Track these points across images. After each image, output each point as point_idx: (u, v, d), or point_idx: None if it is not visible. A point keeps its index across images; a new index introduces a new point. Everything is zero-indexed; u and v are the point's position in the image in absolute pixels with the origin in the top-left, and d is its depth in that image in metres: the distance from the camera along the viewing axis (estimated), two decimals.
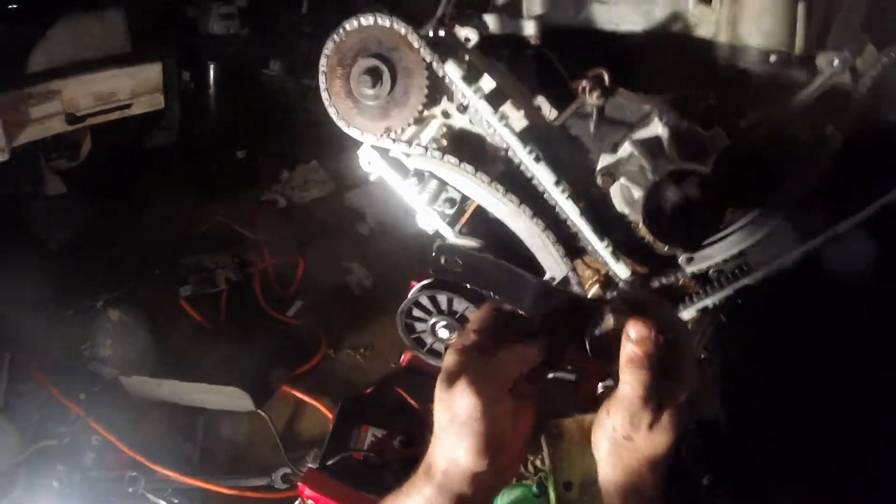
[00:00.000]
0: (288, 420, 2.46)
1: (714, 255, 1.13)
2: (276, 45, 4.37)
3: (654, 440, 0.78)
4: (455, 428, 0.77)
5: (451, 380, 0.79)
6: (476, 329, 0.85)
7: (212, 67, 3.57)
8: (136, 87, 3.04)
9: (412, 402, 2.37)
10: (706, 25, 1.11)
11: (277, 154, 3.58)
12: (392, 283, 1.10)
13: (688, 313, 1.18)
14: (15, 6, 2.96)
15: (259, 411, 2.41)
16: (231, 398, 2.44)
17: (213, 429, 2.46)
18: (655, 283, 1.13)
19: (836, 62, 1.04)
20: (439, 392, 0.81)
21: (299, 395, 2.48)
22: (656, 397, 0.75)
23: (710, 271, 1.17)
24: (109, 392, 2.50)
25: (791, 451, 1.81)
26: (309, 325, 2.74)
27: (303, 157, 3.57)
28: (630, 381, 0.74)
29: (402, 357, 2.53)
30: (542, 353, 0.82)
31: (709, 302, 1.17)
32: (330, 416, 2.36)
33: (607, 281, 1.12)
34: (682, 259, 1.09)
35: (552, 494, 2.22)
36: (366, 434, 2.23)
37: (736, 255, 1.13)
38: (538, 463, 2.33)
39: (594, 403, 0.86)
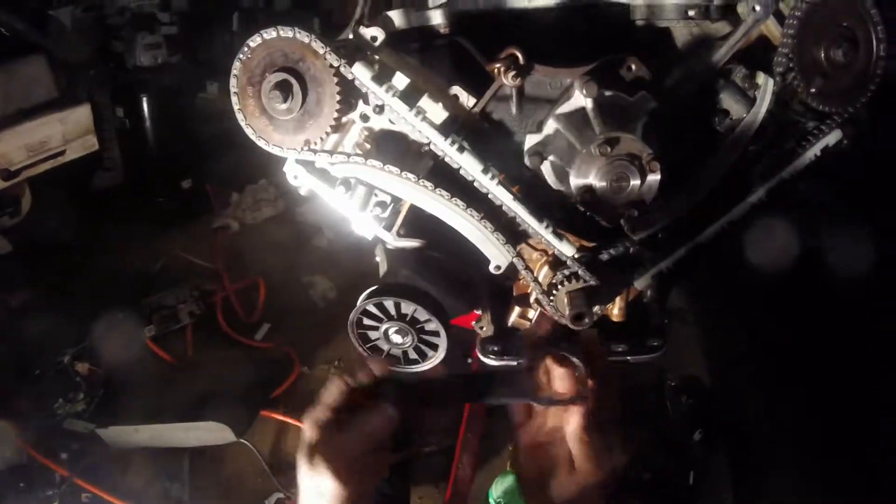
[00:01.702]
0: (272, 444, 2.44)
1: (660, 218, 1.12)
2: (209, 67, 4.30)
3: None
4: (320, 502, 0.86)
5: (312, 455, 0.87)
6: (328, 404, 0.93)
7: (144, 100, 3.49)
8: (67, 132, 2.95)
9: None
10: None
11: (224, 178, 3.52)
12: (356, 292, 1.09)
13: (642, 282, 1.17)
14: None
15: (242, 440, 2.38)
16: (211, 432, 2.40)
17: (199, 465, 2.43)
18: (605, 256, 1.11)
19: (757, 8, 1.04)
20: (302, 465, 0.88)
21: (280, 418, 2.45)
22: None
23: (658, 234, 1.16)
24: (90, 446, 2.46)
25: (777, 405, 1.84)
26: (279, 346, 2.71)
27: (251, 178, 3.52)
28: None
29: None
30: (395, 419, 0.92)
31: (662, 266, 1.16)
32: None
33: (555, 261, 1.10)
34: (626, 227, 1.08)
35: None
36: None
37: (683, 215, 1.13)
38: None
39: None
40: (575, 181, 0.97)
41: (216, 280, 3.00)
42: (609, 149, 0.94)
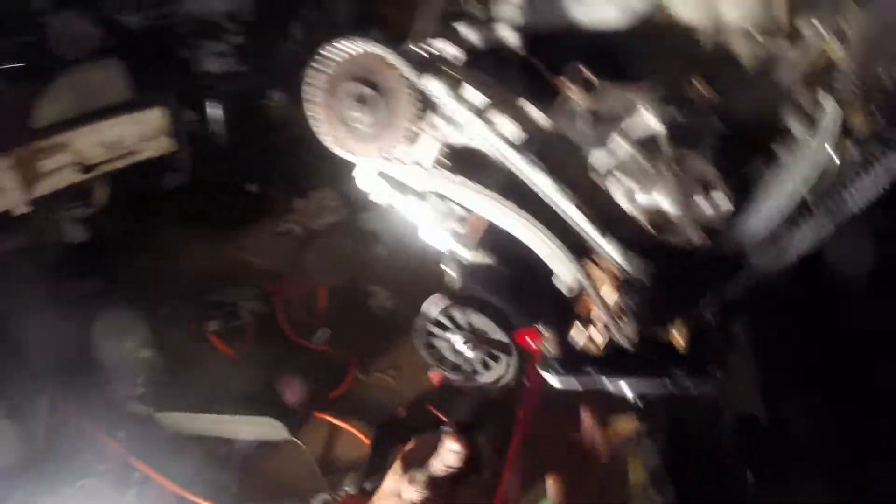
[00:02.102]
0: (323, 446, 2.48)
1: (732, 239, 1.10)
2: (273, 75, 4.43)
3: None
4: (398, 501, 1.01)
5: (410, 465, 1.04)
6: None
7: (213, 105, 3.61)
8: (142, 132, 3.09)
9: (444, 418, 2.37)
10: (685, 8, 1.10)
11: (289, 183, 3.60)
12: (414, 302, 1.11)
13: (707, 309, 1.16)
14: (18, 64, 3.05)
15: (294, 439, 2.42)
16: (265, 428, 2.47)
17: (250, 458, 2.49)
18: (670, 278, 1.11)
19: (819, 27, 1.03)
20: (397, 468, 1.06)
21: (333, 421, 2.49)
22: None
23: (727, 260, 1.15)
24: (146, 429, 2.55)
25: (831, 447, 1.78)
26: (336, 351, 2.75)
27: (314, 184, 3.60)
28: None
29: (433, 375, 2.52)
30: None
31: (729, 293, 1.15)
32: (364, 439, 2.37)
33: (620, 280, 1.10)
34: (694, 250, 1.08)
35: None
36: None
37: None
38: None
39: None
40: (643, 201, 0.98)
41: (278, 282, 3.07)
42: (678, 169, 0.95)
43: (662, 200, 0.96)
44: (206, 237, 3.28)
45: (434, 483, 1.03)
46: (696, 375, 1.23)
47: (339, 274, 3.05)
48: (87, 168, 3.00)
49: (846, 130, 1.09)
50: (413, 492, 1.01)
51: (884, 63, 1.02)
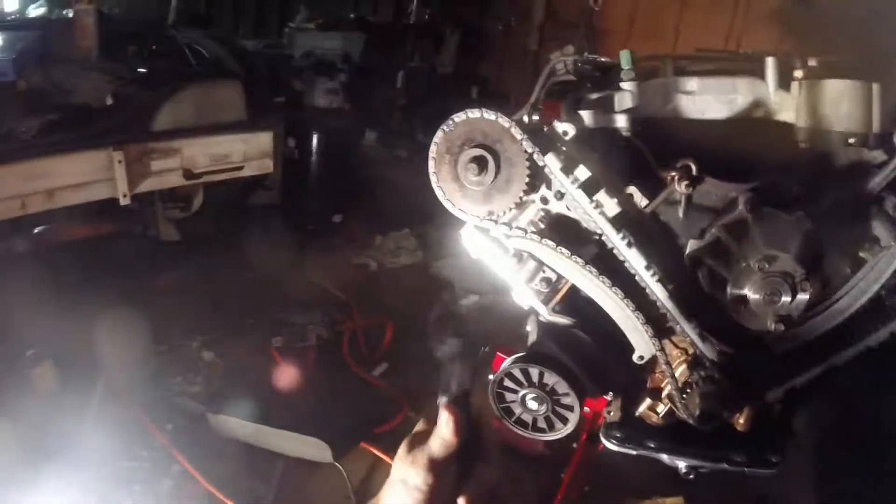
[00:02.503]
0: (363, 476, 2.52)
1: (805, 333, 1.13)
2: (372, 117, 4.65)
3: None
4: (403, 488, 0.96)
5: (413, 447, 0.98)
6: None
7: (315, 137, 3.84)
8: (248, 151, 3.33)
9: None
10: (786, 111, 1.15)
11: (371, 220, 3.76)
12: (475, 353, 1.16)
13: (773, 395, 1.18)
14: (145, 71, 3.33)
15: (336, 464, 2.48)
16: (311, 448, 2.54)
17: (289, 475, 2.54)
18: (743, 365, 1.15)
19: None
20: (402, 453, 0.99)
21: (377, 453, 2.54)
22: None
23: (798, 352, 1.17)
24: (194, 426, 2.65)
25: None
26: (392, 387, 2.82)
27: (395, 225, 3.74)
28: None
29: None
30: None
31: (796, 382, 1.17)
32: None
33: (694, 361, 1.16)
34: (769, 340, 1.12)
35: None
36: None
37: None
38: None
39: None
40: (731, 290, 1.04)
41: (346, 312, 3.19)
42: (767, 265, 1.01)
43: (749, 292, 1.01)
44: (288, 257, 3.45)
45: (435, 465, 0.96)
46: (755, 460, 1.25)
47: (405, 312, 3.15)
48: (191, 175, 3.23)
49: None
50: (415, 476, 0.95)
51: None
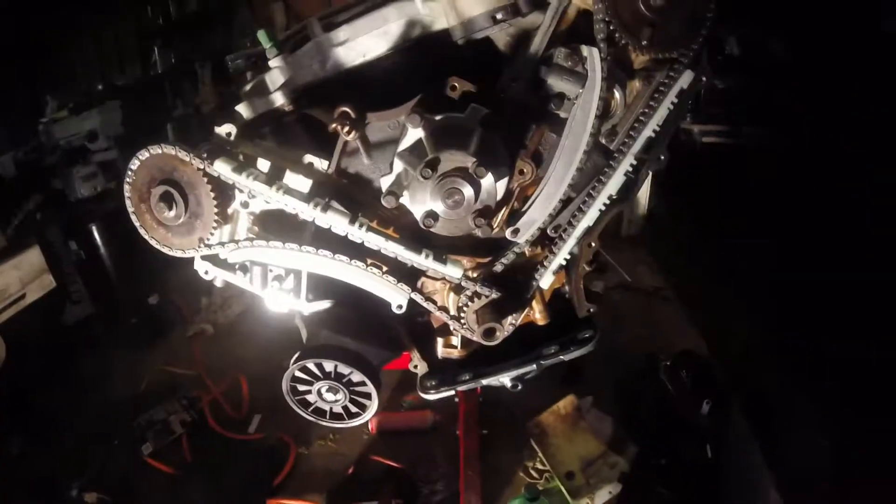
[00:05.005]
0: None
1: (536, 216, 1.15)
2: None
3: None
4: None
5: None
6: None
7: (95, 229, 3.57)
8: (23, 276, 3.04)
9: (392, 463, 2.39)
10: (439, 19, 1.16)
11: (188, 285, 3.58)
12: None
13: (546, 280, 1.21)
14: None
15: None
16: None
17: None
18: (499, 267, 1.16)
19: None
20: None
21: (287, 503, 2.46)
22: None
23: (549, 230, 1.19)
24: None
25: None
26: (273, 434, 2.72)
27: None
28: None
29: (370, 426, 2.54)
30: None
31: (560, 259, 1.19)
32: None
33: (458, 286, 1.16)
34: (508, 235, 1.13)
35: (562, 488, 2.26)
36: None
37: (558, 206, 1.16)
38: (539, 465, 2.36)
39: None
40: (415, 210, 1.03)
41: (201, 385, 3.03)
42: (430, 171, 1.00)
43: (430, 204, 1.00)
44: (123, 360, 3.23)
45: None
46: (568, 345, 1.28)
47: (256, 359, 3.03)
48: None
49: (628, 71, 1.14)
50: None
51: None
